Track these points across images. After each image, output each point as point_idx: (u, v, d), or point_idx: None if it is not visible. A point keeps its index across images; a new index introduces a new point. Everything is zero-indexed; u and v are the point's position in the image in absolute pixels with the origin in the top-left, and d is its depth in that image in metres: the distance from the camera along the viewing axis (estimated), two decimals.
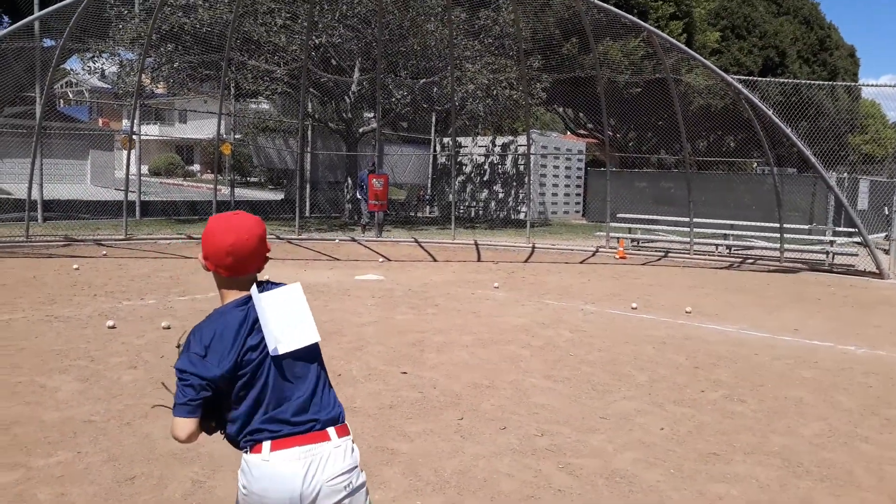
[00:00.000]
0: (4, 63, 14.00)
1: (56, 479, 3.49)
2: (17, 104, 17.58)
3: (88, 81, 32.69)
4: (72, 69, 24.19)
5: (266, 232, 2.01)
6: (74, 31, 13.40)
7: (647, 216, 17.23)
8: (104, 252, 12.45)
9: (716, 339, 7.19)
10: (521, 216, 22.98)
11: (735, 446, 4.23)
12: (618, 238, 15.93)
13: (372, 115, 21.65)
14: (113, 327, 6.68)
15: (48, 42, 15.01)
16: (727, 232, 16.00)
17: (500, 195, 25.17)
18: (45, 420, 4.28)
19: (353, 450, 1.97)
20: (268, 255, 2.02)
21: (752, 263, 14.23)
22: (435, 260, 13.37)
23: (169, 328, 6.70)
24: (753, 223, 15.79)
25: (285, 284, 2.02)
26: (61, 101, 33.25)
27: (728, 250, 15.64)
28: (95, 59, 18.51)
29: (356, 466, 1.95)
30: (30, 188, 13.76)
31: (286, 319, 1.94)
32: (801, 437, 4.44)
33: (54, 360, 5.57)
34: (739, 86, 12.93)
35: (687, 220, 15.38)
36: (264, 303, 1.93)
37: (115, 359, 5.67)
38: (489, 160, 25.36)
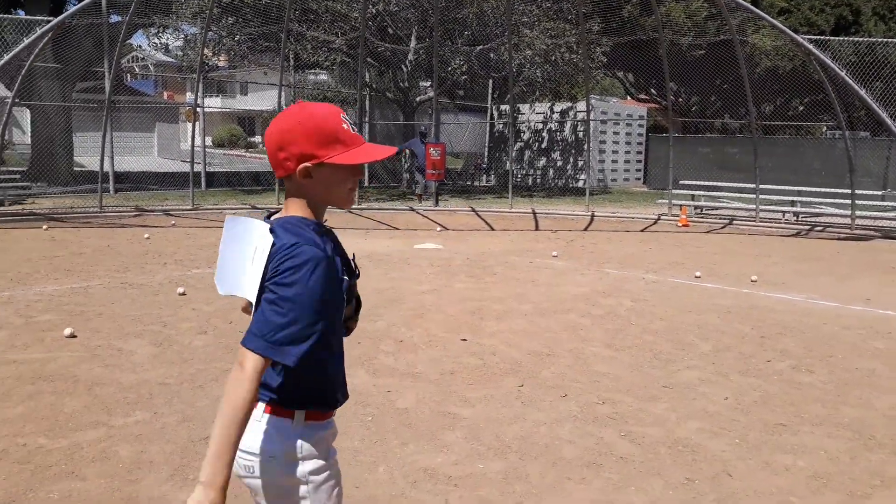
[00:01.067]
0: (75, 39, 14.47)
1: (135, 437, 3.67)
2: (87, 79, 18.18)
3: (154, 56, 33.47)
4: (138, 45, 24.81)
5: (285, 140, 1.62)
6: (140, 6, 13.71)
7: (710, 183, 16.77)
8: (173, 222, 12.86)
9: (783, 308, 7.01)
10: (580, 184, 22.67)
11: (803, 417, 4.14)
12: (680, 205, 15.60)
13: (429, 83, 21.58)
14: (183, 294, 6.93)
15: (115, 17, 15.39)
16: (795, 198, 15.45)
17: (559, 163, 24.84)
18: (123, 382, 4.49)
19: (264, 439, 1.60)
20: (293, 169, 1.63)
21: (821, 231, 13.75)
22: (492, 229, 13.35)
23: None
24: (823, 189, 15.22)
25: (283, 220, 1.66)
26: (128, 75, 34.17)
27: (795, 217, 15.14)
28: (160, 34, 18.91)
29: (257, 455, 1.60)
30: (102, 161, 14.28)
31: (237, 258, 1.67)
32: (874, 409, 4.32)
33: (130, 325, 5.82)
34: (810, 46, 12.39)
35: (752, 186, 14.92)
36: (227, 226, 1.72)
37: (186, 324, 5.88)
38: (547, 127, 25.01)
